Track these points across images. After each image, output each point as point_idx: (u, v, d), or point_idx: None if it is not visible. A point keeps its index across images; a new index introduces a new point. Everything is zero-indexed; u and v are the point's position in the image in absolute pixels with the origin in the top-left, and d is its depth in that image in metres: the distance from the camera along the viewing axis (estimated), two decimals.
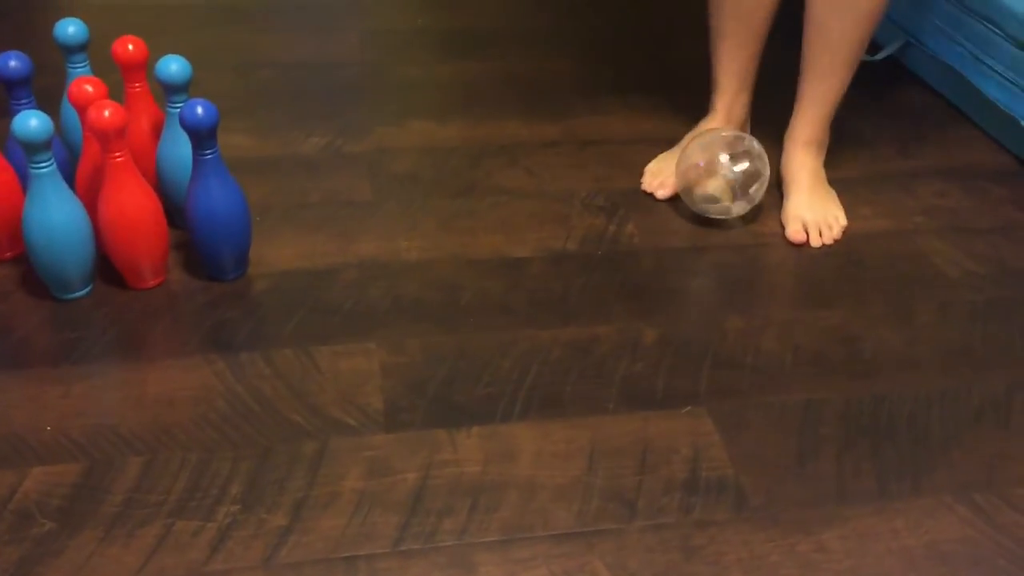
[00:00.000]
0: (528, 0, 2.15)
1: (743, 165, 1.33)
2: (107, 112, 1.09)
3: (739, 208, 1.35)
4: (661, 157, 1.48)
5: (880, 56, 1.83)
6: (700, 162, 1.35)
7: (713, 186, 1.34)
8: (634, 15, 2.07)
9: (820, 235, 1.35)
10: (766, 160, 1.35)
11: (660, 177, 1.44)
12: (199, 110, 1.12)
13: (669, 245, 1.35)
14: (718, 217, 1.37)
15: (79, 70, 1.29)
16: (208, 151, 1.15)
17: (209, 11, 2.01)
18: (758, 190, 1.35)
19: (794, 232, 1.35)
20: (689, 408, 1.07)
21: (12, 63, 1.21)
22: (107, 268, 1.22)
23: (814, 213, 1.36)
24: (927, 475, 1.01)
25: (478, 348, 1.15)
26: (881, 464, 1.02)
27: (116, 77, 1.26)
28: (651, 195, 1.43)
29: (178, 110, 1.21)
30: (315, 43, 1.89)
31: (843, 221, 1.38)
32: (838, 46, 1.32)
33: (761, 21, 1.38)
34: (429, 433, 1.04)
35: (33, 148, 1.09)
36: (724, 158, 1.34)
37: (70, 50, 1.28)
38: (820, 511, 0.96)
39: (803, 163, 1.40)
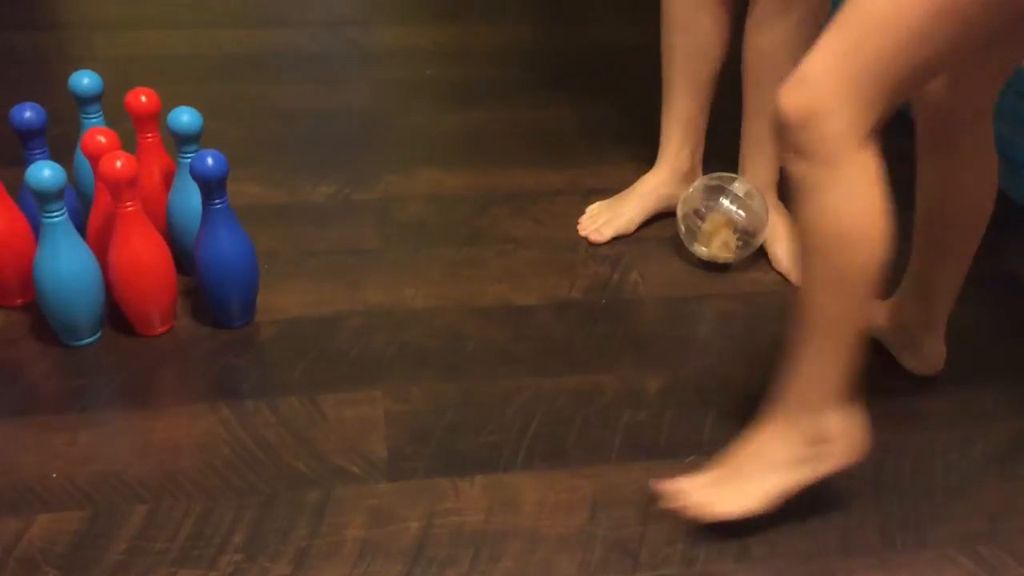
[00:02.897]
0: (533, 50, 2.18)
1: (743, 208, 1.36)
2: (119, 163, 1.11)
3: (742, 252, 1.37)
4: (602, 203, 1.50)
5: None
6: (702, 207, 1.37)
7: (717, 231, 1.36)
8: (640, 64, 2.10)
9: None
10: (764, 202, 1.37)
11: (597, 223, 1.46)
12: (209, 161, 1.14)
13: (673, 294, 1.36)
14: (723, 261, 1.38)
15: (93, 120, 1.31)
16: (217, 200, 1.17)
17: (220, 62, 2.04)
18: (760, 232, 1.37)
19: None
20: (692, 458, 1.08)
21: (27, 114, 1.23)
22: (116, 315, 1.23)
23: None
24: (931, 528, 1.01)
25: (482, 396, 1.16)
26: (885, 516, 1.02)
27: (128, 127, 1.28)
28: (594, 242, 1.44)
29: (188, 160, 1.24)
30: (324, 93, 1.92)
31: None
32: None
33: (707, 74, 1.39)
34: (432, 482, 1.04)
35: (46, 198, 1.11)
36: (726, 202, 1.36)
37: (84, 101, 1.31)
38: (823, 564, 0.96)
39: (778, 209, 1.41)
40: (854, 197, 0.85)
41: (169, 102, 1.31)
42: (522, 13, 2.40)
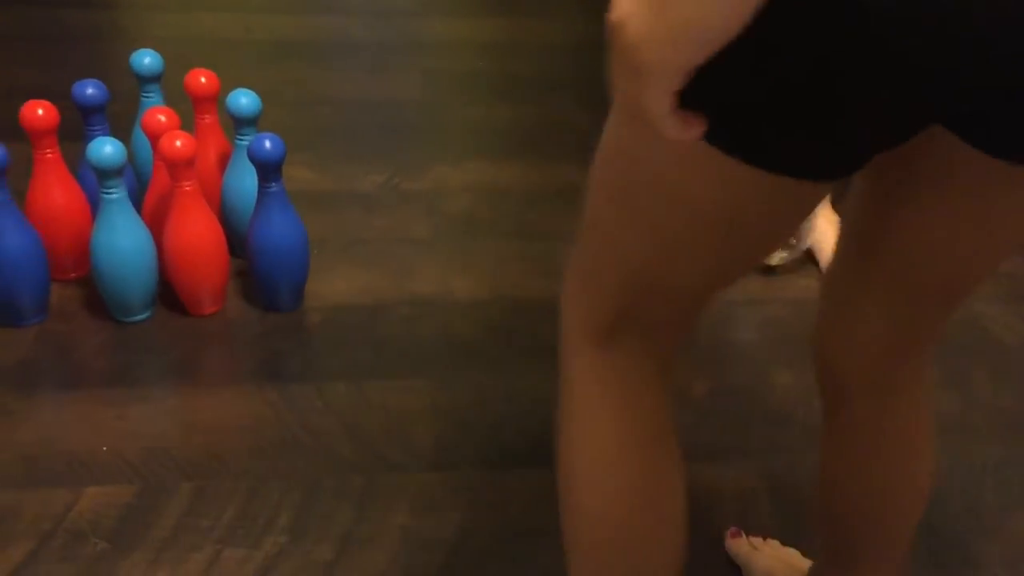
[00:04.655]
0: (584, 46, 2.17)
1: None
2: (179, 142, 1.12)
3: (792, 253, 1.36)
4: None
5: None
6: None
7: None
8: None
9: None
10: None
11: None
12: (267, 144, 1.15)
13: (721, 297, 1.35)
14: (773, 265, 1.37)
15: (152, 99, 1.32)
16: (272, 184, 1.17)
17: (274, 47, 2.06)
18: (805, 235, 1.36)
19: None
20: (737, 463, 1.07)
21: (89, 91, 1.25)
22: (167, 293, 1.24)
23: None
24: (979, 547, 0.99)
25: (527, 392, 1.16)
26: (932, 533, 1.00)
27: (184, 106, 1.29)
28: None
29: (246, 142, 1.24)
30: (376, 82, 1.93)
31: None
32: None
33: None
34: (475, 474, 1.04)
35: (106, 174, 1.12)
36: None
37: (144, 80, 1.32)
38: None
39: (827, 214, 1.39)
40: (580, 424, 0.63)
41: (223, 85, 1.31)
42: (574, 8, 2.39)
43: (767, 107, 0.46)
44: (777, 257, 1.36)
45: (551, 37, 2.19)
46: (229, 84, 1.30)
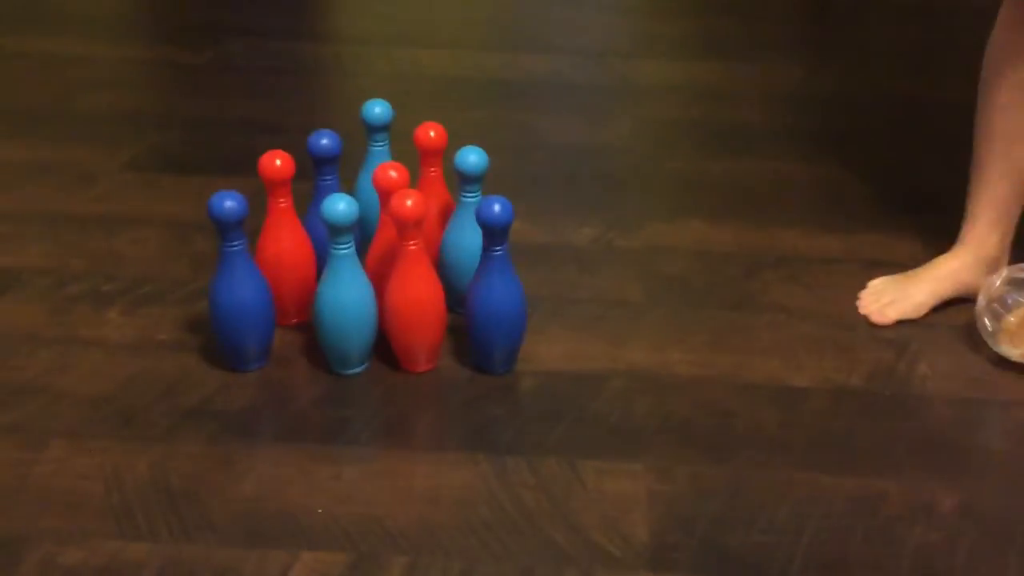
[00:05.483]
0: (805, 95, 2.06)
1: None
2: (410, 202, 1.11)
3: None
4: (887, 279, 1.37)
5: None
6: (1009, 300, 1.22)
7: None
8: (937, 122, 1.94)
9: None
10: None
11: (880, 302, 1.32)
12: (496, 208, 1.12)
13: (968, 394, 1.22)
14: (1022, 361, 1.23)
15: (380, 149, 1.33)
16: (498, 248, 1.15)
17: (484, 86, 2.05)
18: None
19: None
20: None
21: (324, 141, 1.26)
22: (383, 346, 1.23)
23: None
24: None
25: (752, 487, 1.08)
26: None
27: (402, 146, 1.30)
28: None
29: (471, 199, 1.22)
30: (586, 127, 1.89)
31: None
32: None
33: None
34: None
35: (338, 231, 1.12)
36: None
37: (373, 129, 1.32)
38: None
39: None
40: None
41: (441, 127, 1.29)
42: (792, 53, 2.28)
43: None
44: None
45: (768, 83, 2.09)
46: (444, 124, 1.29)
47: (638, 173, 1.73)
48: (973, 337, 1.29)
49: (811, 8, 2.68)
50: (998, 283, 1.26)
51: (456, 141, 1.29)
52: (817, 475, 1.09)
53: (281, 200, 1.21)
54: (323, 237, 1.17)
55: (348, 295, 1.14)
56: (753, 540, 1.01)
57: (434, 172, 1.29)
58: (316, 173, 1.28)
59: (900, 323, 1.33)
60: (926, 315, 1.34)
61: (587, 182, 1.68)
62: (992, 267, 1.32)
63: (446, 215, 1.29)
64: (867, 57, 2.25)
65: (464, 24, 2.40)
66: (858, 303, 1.36)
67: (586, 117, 1.92)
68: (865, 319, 1.34)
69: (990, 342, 1.25)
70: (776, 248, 1.50)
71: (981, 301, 1.26)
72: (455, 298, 1.27)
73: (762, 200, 1.64)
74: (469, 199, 1.23)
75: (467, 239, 1.23)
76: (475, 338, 1.20)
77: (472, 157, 1.22)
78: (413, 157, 1.29)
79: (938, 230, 1.38)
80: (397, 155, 1.32)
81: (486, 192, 1.20)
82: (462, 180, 1.23)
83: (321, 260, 1.20)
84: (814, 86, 2.10)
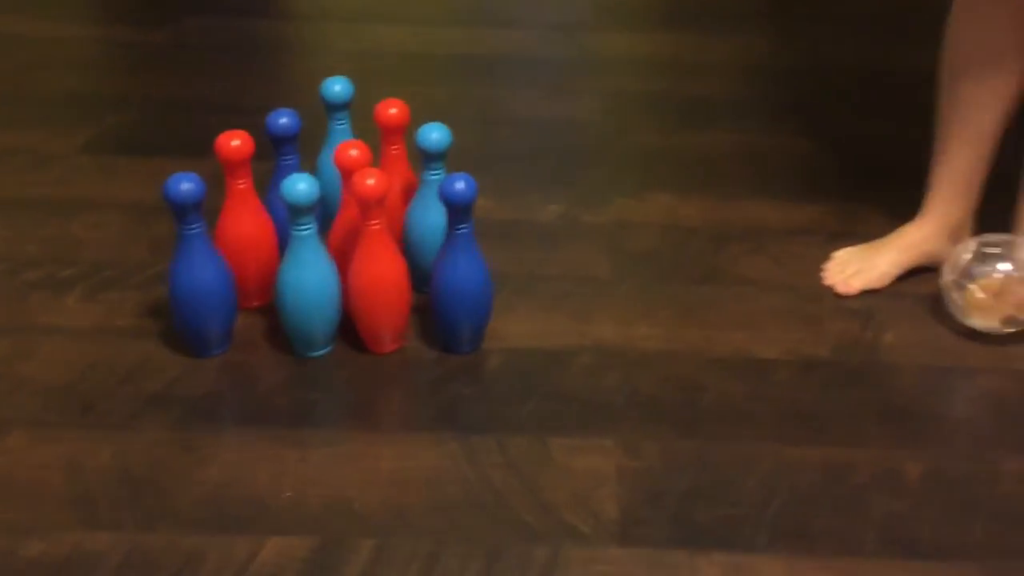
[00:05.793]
0: (773, 67, 2.06)
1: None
2: (372, 181, 1.09)
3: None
4: (851, 250, 1.37)
5: None
6: (974, 271, 1.23)
7: (993, 300, 1.21)
8: (900, 92, 1.94)
9: None
10: None
11: (845, 272, 1.33)
12: (460, 185, 1.10)
13: (933, 363, 1.23)
14: (989, 331, 1.24)
15: (341, 127, 1.31)
16: (462, 226, 1.13)
17: (448, 62, 2.03)
18: None
19: None
20: (958, 564, 0.96)
21: (283, 120, 1.24)
22: (347, 328, 1.22)
23: None
24: None
25: (720, 460, 1.08)
26: None
27: (363, 124, 1.28)
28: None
29: (434, 178, 1.21)
30: (552, 101, 1.87)
31: None
32: None
33: (992, 125, 1.25)
34: (667, 553, 0.97)
35: (299, 211, 1.10)
36: (1006, 268, 1.22)
37: (334, 107, 1.30)
38: None
39: None
40: None
41: (400, 100, 1.27)
42: (760, 24, 2.27)
43: None
44: (1014, 328, 1.22)
45: (736, 55, 2.08)
46: (407, 100, 1.27)
47: (604, 148, 1.72)
48: (938, 306, 1.30)
49: None
50: (964, 254, 1.26)
51: (419, 118, 1.27)
52: (785, 446, 1.10)
53: (240, 181, 1.19)
54: (284, 218, 1.15)
55: (311, 277, 1.13)
56: (722, 513, 1.01)
57: (396, 150, 1.27)
58: (276, 153, 1.26)
59: (865, 293, 1.34)
60: (891, 285, 1.35)
61: (553, 157, 1.67)
62: (956, 236, 1.32)
63: (409, 193, 1.27)
64: (833, 28, 2.25)
65: (431, 1, 2.37)
66: (823, 274, 1.37)
67: (551, 92, 1.91)
68: (831, 290, 1.34)
69: (959, 316, 1.26)
70: (743, 221, 1.50)
71: (948, 276, 1.26)
72: (420, 277, 1.25)
73: (729, 173, 1.64)
74: (433, 177, 1.21)
75: (431, 217, 1.22)
76: (441, 317, 1.18)
77: (435, 134, 1.20)
78: (375, 135, 1.27)
79: (903, 201, 1.38)
80: (359, 133, 1.30)
81: (450, 169, 1.19)
82: (425, 158, 1.21)
83: (283, 241, 1.18)
84: (780, 58, 2.09)
